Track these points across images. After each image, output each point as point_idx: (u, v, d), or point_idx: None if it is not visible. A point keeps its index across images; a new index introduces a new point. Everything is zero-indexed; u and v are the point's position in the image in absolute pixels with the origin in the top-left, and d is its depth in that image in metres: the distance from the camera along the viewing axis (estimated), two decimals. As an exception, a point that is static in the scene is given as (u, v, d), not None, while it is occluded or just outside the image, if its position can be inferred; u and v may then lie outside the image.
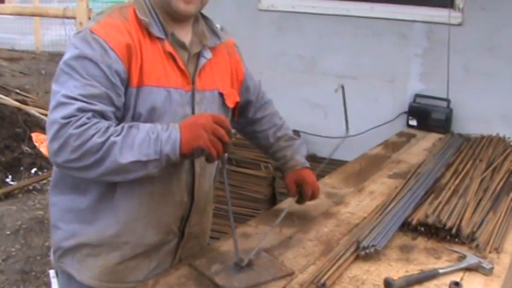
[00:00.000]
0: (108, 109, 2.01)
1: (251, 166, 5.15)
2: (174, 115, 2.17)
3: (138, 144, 1.93)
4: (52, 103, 1.98)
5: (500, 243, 2.59)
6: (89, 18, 6.34)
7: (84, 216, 2.23)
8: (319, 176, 3.54)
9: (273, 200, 4.93)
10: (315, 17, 5.19)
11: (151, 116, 2.12)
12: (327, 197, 3.11)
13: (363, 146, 4.28)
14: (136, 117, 2.11)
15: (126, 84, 2.08)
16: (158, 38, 2.17)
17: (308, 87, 5.34)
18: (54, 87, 2.01)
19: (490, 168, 3.43)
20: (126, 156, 1.92)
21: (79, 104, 1.94)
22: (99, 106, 1.98)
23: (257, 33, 5.45)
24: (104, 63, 2.01)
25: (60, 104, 1.95)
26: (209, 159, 2.00)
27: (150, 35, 2.15)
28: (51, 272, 2.42)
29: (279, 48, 5.41)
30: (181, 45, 2.24)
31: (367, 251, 2.40)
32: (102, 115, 1.99)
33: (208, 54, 2.34)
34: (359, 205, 3.02)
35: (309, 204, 2.92)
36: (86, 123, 1.92)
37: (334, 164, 4.50)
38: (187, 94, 2.23)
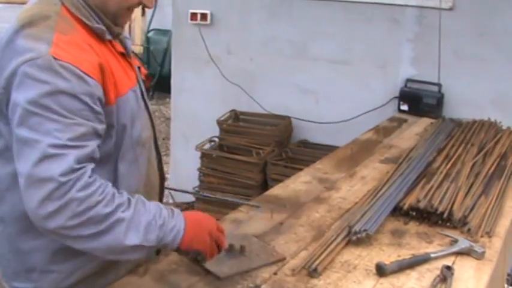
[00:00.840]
0: (96, 144, 1.78)
1: (242, 152, 5.16)
2: (141, 111, 2.08)
3: (144, 227, 1.77)
4: (33, 154, 1.67)
5: (491, 227, 2.59)
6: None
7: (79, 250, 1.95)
8: (311, 162, 3.54)
9: (264, 185, 4.94)
10: (306, 2, 5.17)
11: (132, 122, 1.99)
12: (319, 183, 3.10)
13: (354, 131, 4.28)
14: (120, 129, 1.94)
15: (104, 104, 1.85)
16: (108, 40, 1.96)
17: (299, 73, 5.32)
18: (25, 133, 1.69)
19: (482, 153, 3.42)
20: (131, 238, 1.75)
21: (74, 154, 1.69)
22: (90, 147, 1.74)
23: (248, 19, 5.43)
24: (84, 93, 1.74)
25: (50, 157, 1.66)
26: (201, 260, 1.96)
27: (101, 40, 1.92)
28: None
29: (270, 34, 5.39)
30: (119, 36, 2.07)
31: (359, 235, 2.39)
32: (93, 154, 1.76)
33: (127, 34, 2.19)
34: (350, 190, 3.01)
35: (300, 189, 2.93)
36: (90, 185, 1.70)
37: (326, 150, 4.52)
38: (137, 87, 2.10)
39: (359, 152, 3.69)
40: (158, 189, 2.31)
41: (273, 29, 5.36)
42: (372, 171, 3.32)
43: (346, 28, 5.10)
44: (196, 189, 5.17)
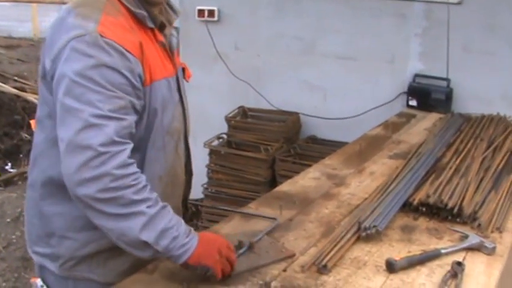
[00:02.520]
0: (133, 119, 1.91)
1: (251, 149, 5.15)
2: (173, 102, 2.18)
3: (161, 230, 1.85)
4: (76, 122, 1.79)
5: (502, 223, 2.58)
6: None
7: None
8: (320, 158, 3.54)
9: (273, 182, 4.92)
10: (313, -2, 5.17)
11: (163, 108, 2.10)
12: (328, 179, 3.09)
13: (363, 127, 4.27)
14: (152, 113, 2.05)
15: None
16: (150, 28, 2.08)
17: (307, 69, 5.31)
18: (69, 102, 1.81)
19: (491, 148, 3.41)
20: (146, 233, 1.83)
21: (113, 125, 1.81)
22: (128, 120, 1.87)
23: (255, 16, 5.42)
24: (125, 69, 1.87)
25: (91, 126, 1.78)
26: (211, 278, 1.98)
27: (143, 26, 2.04)
28: (39, 282, 2.25)
29: (278, 30, 5.39)
30: (164, 30, 2.19)
31: (368, 231, 2.39)
32: (131, 129, 1.89)
33: (175, 33, 2.31)
34: (360, 186, 3.00)
35: (309, 185, 2.93)
36: (127, 167, 1.82)
37: (335, 146, 4.51)
38: (174, 79, 2.20)
39: (368, 147, 3.68)
40: (184, 184, 2.40)
41: (281, 25, 5.36)
42: (381, 166, 3.31)
43: (354, 24, 5.09)
44: (205, 186, 5.17)
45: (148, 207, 1.83)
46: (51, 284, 2.20)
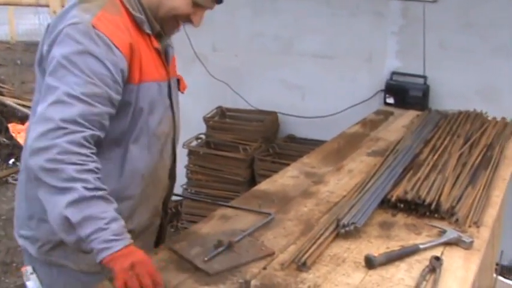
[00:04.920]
0: (106, 110, 1.96)
1: (229, 149, 5.15)
2: (163, 105, 2.25)
3: (88, 215, 1.82)
4: (50, 97, 1.89)
5: (479, 217, 2.59)
6: (62, 6, 6.28)
7: None
8: (298, 156, 3.54)
9: (252, 182, 4.93)
10: (289, -3, 5.18)
11: (150, 109, 2.17)
12: (306, 177, 3.10)
13: (341, 125, 4.28)
14: (137, 111, 2.13)
15: (126, 81, 2.05)
16: (147, 34, 2.16)
17: (285, 68, 5.32)
18: (50, 81, 1.92)
19: (468, 144, 3.44)
20: (71, 212, 1.81)
21: (81, 107, 1.88)
22: (98, 108, 1.93)
23: (233, 16, 5.42)
24: (109, 61, 1.96)
25: (61, 102, 1.88)
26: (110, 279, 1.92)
27: (140, 30, 2.13)
28: (29, 269, 2.27)
29: (255, 30, 5.39)
30: (161, 39, 2.26)
31: (347, 228, 2.40)
32: (100, 118, 1.94)
33: (171, 43, 2.38)
34: (338, 184, 3.02)
35: (288, 184, 2.94)
36: (80, 146, 1.86)
37: (313, 144, 4.52)
38: (165, 84, 2.27)
39: (346, 145, 3.69)
40: (166, 188, 2.45)
41: (258, 25, 5.36)
42: (359, 164, 3.32)
43: (331, 22, 5.10)
44: (184, 186, 5.17)
45: (84, 188, 1.83)
46: (38, 271, 2.25)
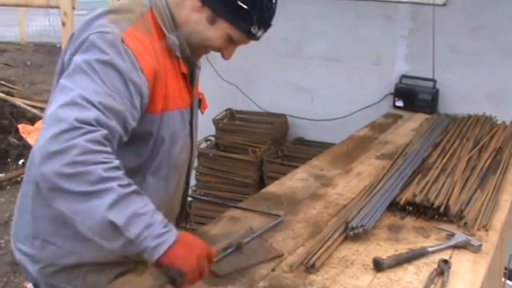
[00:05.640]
0: (119, 130, 1.77)
1: (239, 151, 5.16)
2: (184, 133, 2.16)
3: (132, 213, 1.67)
4: (63, 98, 1.70)
5: (488, 221, 2.60)
6: (73, 8, 6.31)
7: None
8: (307, 159, 3.55)
9: (261, 184, 4.93)
10: (299, 1, 5.18)
11: (172, 139, 2.07)
12: (315, 179, 3.11)
13: (350, 128, 4.29)
14: (158, 142, 2.03)
15: (146, 110, 1.91)
16: (175, 57, 2.05)
17: (294, 71, 5.33)
18: (66, 82, 1.75)
19: (477, 147, 3.43)
20: (115, 214, 1.64)
21: (97, 113, 1.70)
22: (113, 123, 1.74)
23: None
24: (131, 81, 1.81)
25: (75, 104, 1.69)
26: (176, 283, 1.78)
27: (169, 53, 2.02)
28: (30, 287, 2.23)
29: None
30: (189, 63, 2.17)
31: (356, 231, 2.40)
32: (112, 135, 1.74)
33: (199, 64, 2.30)
34: (347, 186, 3.02)
35: (297, 186, 2.94)
36: (100, 144, 1.67)
37: (322, 147, 4.52)
38: (188, 111, 2.18)
39: (355, 148, 3.69)
40: (177, 214, 2.36)
41: (267, 28, 5.36)
42: (368, 167, 3.33)
43: (340, 26, 5.11)
44: (194, 188, 5.18)
45: (120, 186, 1.66)
46: None
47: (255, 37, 2.11)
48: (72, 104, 1.69)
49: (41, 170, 1.64)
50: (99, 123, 1.69)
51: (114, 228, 1.65)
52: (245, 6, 1.99)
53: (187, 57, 2.11)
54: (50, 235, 2.03)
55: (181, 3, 2.03)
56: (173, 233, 1.74)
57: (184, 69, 2.09)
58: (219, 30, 2.03)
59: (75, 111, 1.67)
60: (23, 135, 7.25)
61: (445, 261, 2.19)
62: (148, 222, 1.69)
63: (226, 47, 2.09)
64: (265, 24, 2.11)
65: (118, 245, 1.68)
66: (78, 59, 1.80)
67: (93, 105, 1.70)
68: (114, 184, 1.65)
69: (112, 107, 1.74)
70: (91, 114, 1.68)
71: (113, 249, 1.71)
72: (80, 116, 1.66)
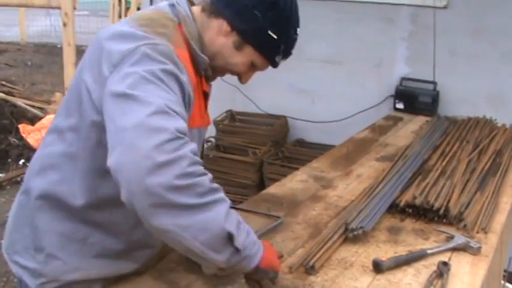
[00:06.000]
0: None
1: (239, 152, 5.17)
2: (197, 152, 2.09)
3: (237, 222, 1.69)
4: (146, 108, 1.58)
5: (487, 223, 2.60)
6: (74, 8, 6.31)
7: (101, 253, 1.96)
8: (307, 161, 3.55)
9: (261, 185, 4.95)
10: (299, 2, 5.17)
11: None
12: (315, 181, 3.11)
13: (350, 130, 4.29)
14: None
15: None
16: (199, 75, 1.99)
17: (294, 73, 5.33)
18: (136, 93, 1.61)
19: (477, 150, 3.44)
20: (229, 224, 1.64)
21: (183, 123, 1.64)
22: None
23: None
24: (188, 93, 1.78)
25: (165, 113, 1.60)
26: (272, 279, 1.90)
27: (196, 71, 1.95)
28: None
29: (265, 34, 5.39)
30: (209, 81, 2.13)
31: (355, 233, 2.40)
32: None
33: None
34: (347, 188, 3.02)
35: (297, 188, 2.95)
36: (196, 153, 1.62)
37: (322, 149, 4.53)
38: (205, 130, 2.17)
39: (355, 150, 3.70)
40: None
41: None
42: (368, 169, 3.33)
43: (340, 28, 5.13)
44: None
45: (224, 195, 1.67)
46: None
47: (276, 65, 2.12)
48: (161, 112, 1.59)
49: (147, 183, 1.51)
50: (186, 133, 1.62)
51: (228, 239, 1.65)
52: (275, 36, 2.01)
53: (207, 77, 2.07)
54: (56, 250, 1.95)
55: (207, 23, 2.01)
56: (258, 239, 1.80)
57: (206, 87, 2.06)
58: (244, 57, 2.03)
59: (170, 121, 1.59)
60: (24, 135, 7.26)
61: (445, 264, 2.19)
62: (247, 230, 1.73)
63: (246, 73, 2.10)
64: (288, 54, 2.13)
65: (225, 256, 1.68)
66: (137, 70, 1.67)
67: (178, 114, 1.64)
68: (221, 194, 1.66)
69: (184, 117, 1.69)
70: (182, 123, 1.62)
71: (220, 262, 1.70)
72: (177, 125, 1.59)
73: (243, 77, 2.13)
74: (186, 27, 1.95)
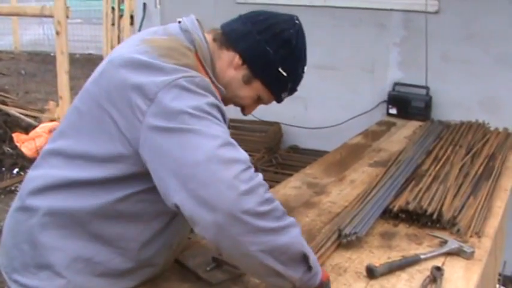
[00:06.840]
0: None
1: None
2: None
3: (303, 240, 1.79)
4: (213, 142, 1.65)
5: (481, 228, 2.60)
6: (67, 17, 6.31)
7: (106, 272, 1.94)
8: (301, 167, 3.55)
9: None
10: (292, 9, 5.16)
11: None
12: (308, 187, 3.11)
13: (344, 135, 4.29)
14: None
15: None
16: None
17: (288, 79, 5.32)
18: (196, 126, 1.66)
19: (470, 154, 3.45)
20: (304, 244, 1.77)
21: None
22: None
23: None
24: (227, 121, 1.83)
25: (231, 144, 1.69)
26: None
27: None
28: None
29: (258, 41, 5.39)
30: None
31: (349, 238, 2.41)
32: None
33: None
34: (340, 194, 3.03)
35: (290, 194, 2.95)
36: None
37: (316, 155, 4.53)
38: None
39: (348, 156, 3.70)
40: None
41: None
42: (361, 175, 3.33)
43: (333, 33, 5.13)
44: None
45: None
46: None
47: (281, 101, 2.16)
48: (227, 144, 1.68)
49: (235, 213, 1.59)
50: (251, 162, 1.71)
51: (304, 258, 1.76)
52: (285, 74, 2.06)
53: None
54: (62, 268, 1.89)
55: (218, 53, 2.03)
56: None
57: None
58: (252, 91, 2.07)
59: (238, 151, 1.69)
60: (18, 144, 7.24)
61: (438, 268, 2.19)
62: (310, 248, 1.82)
63: (250, 105, 2.14)
64: (294, 91, 2.17)
65: (300, 274, 1.78)
66: (182, 106, 1.69)
67: (236, 146, 1.72)
68: (292, 218, 1.75)
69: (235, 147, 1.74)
70: (245, 152, 1.71)
71: (294, 280, 1.78)
72: (245, 154, 1.69)
73: (246, 109, 2.17)
74: (202, 55, 1.96)
